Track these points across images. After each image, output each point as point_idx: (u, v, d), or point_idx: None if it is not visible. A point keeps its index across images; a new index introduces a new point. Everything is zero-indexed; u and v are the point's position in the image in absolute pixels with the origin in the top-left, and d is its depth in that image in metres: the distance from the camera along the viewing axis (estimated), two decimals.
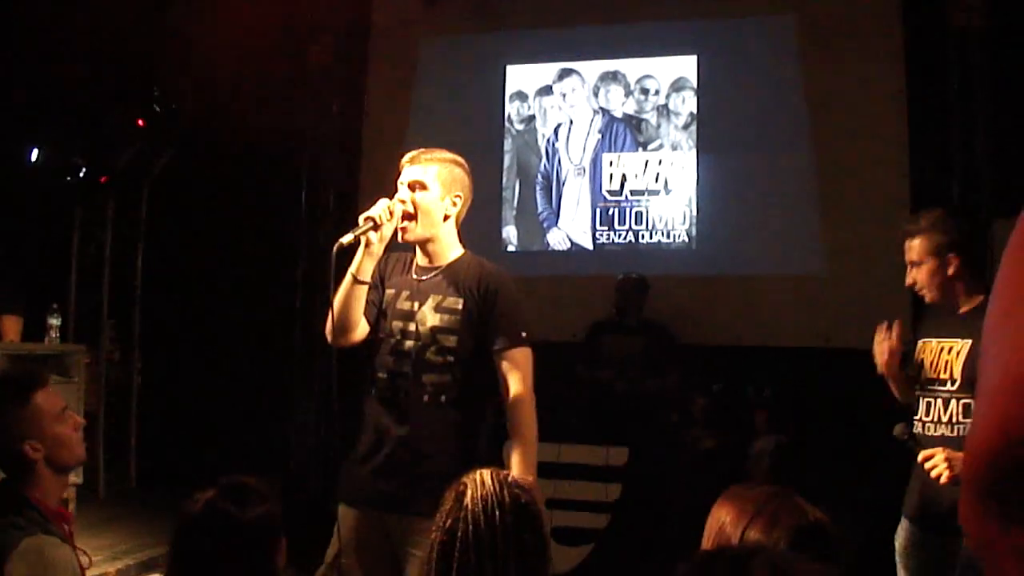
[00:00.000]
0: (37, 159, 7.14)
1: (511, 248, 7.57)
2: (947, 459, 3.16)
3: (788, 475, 5.33)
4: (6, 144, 6.96)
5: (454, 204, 3.33)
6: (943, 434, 3.44)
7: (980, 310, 3.31)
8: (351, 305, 3.21)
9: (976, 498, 0.71)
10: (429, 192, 3.26)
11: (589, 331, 6.70)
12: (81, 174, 7.35)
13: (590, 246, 7.37)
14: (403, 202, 3.23)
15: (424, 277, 3.33)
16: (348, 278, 3.18)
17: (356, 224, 3.13)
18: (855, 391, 4.82)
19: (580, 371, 6.47)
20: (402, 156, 3.38)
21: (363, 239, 3.14)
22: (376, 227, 3.13)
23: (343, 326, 3.22)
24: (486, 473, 2.16)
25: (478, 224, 7.37)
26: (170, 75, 7.58)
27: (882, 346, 3.61)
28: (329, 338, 3.25)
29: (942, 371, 3.49)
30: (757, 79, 7.20)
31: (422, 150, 3.36)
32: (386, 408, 3.27)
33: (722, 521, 1.92)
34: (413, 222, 3.24)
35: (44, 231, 7.50)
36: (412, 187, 3.26)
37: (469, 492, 2.10)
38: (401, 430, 3.23)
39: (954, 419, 3.45)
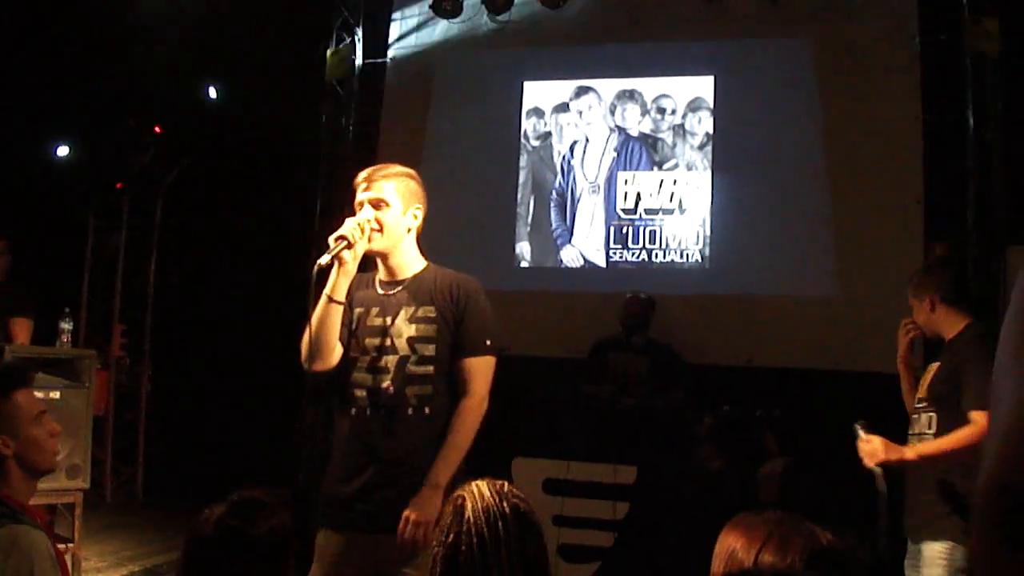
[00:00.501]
0: (66, 156, 7.18)
1: (524, 264, 7.57)
2: (882, 445, 3.71)
3: (797, 497, 5.31)
4: (24, 146, 7.00)
5: (415, 217, 3.35)
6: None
7: (961, 335, 3.86)
8: (329, 327, 3.21)
9: (989, 536, 0.71)
10: (391, 208, 3.27)
11: (592, 349, 6.68)
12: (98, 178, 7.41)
13: (603, 264, 7.37)
14: (369, 220, 3.23)
15: (391, 291, 3.34)
16: (324, 300, 3.18)
17: (328, 246, 3.13)
18: (866, 414, 4.80)
19: (582, 388, 6.47)
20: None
21: (337, 259, 3.14)
22: (349, 246, 3.14)
23: (322, 349, 3.21)
24: (483, 484, 2.14)
25: (492, 239, 7.48)
26: (189, 85, 7.64)
27: (903, 337, 4.11)
28: (305, 364, 3.20)
29: (922, 390, 3.96)
30: (773, 101, 7.21)
31: (375, 168, 3.36)
32: (369, 425, 3.25)
33: (732, 547, 1.87)
34: (379, 235, 3.25)
35: (58, 235, 7.53)
36: (375, 205, 3.27)
37: (469, 505, 2.08)
38: (387, 446, 3.20)
39: (924, 430, 3.88)
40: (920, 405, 3.96)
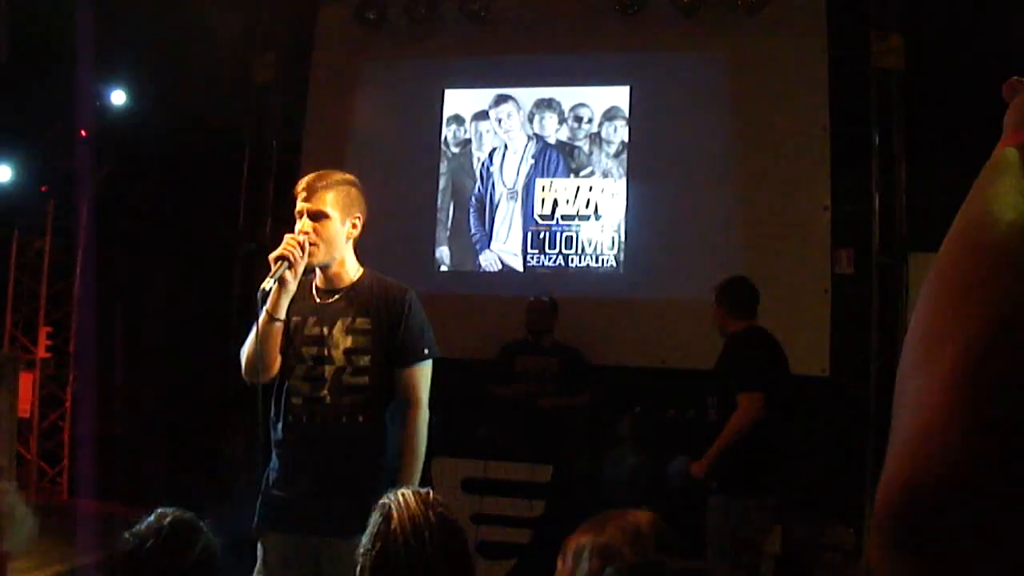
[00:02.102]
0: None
1: (444, 268, 7.69)
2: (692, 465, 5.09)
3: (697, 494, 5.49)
4: None
5: (354, 226, 3.38)
6: None
7: (737, 333, 5.24)
8: (269, 344, 3.27)
9: (890, 543, 0.68)
10: (330, 220, 3.30)
11: (500, 352, 6.81)
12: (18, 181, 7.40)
13: (521, 268, 7.51)
14: (307, 234, 3.26)
15: (329, 300, 3.39)
16: (264, 317, 3.22)
17: (269, 267, 3.16)
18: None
19: (492, 390, 6.59)
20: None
21: (279, 280, 3.19)
22: (291, 265, 3.18)
23: (264, 364, 3.27)
24: (408, 494, 2.23)
25: (413, 243, 7.58)
26: (115, 85, 7.65)
27: None
28: (247, 378, 3.29)
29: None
30: (687, 111, 7.40)
31: (314, 177, 3.37)
32: (304, 433, 3.32)
33: (575, 543, 1.94)
34: (317, 249, 3.29)
35: None
36: (313, 217, 3.28)
37: (395, 514, 2.16)
38: (324, 453, 3.28)
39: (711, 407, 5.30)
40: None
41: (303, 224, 3.31)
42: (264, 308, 3.24)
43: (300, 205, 3.33)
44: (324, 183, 3.34)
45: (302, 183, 3.36)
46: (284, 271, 3.19)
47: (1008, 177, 0.79)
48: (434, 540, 2.14)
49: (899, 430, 0.70)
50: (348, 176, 3.46)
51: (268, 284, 3.17)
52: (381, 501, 2.25)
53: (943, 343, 0.70)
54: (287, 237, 3.26)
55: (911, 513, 0.66)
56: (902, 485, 0.67)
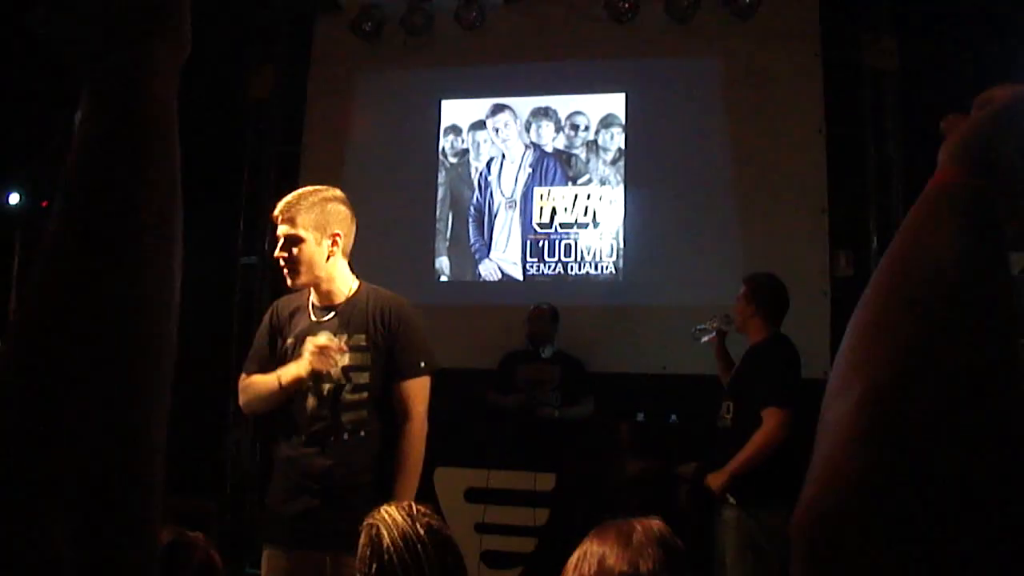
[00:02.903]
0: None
1: (444, 278, 7.70)
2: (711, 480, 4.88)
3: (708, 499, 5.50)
4: None
5: (335, 243, 3.38)
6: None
7: (765, 341, 5.06)
8: (270, 403, 3.37)
9: (800, 559, 0.72)
10: (305, 243, 3.32)
11: (501, 361, 6.84)
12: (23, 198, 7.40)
13: (520, 277, 7.52)
14: (283, 256, 3.31)
15: (324, 318, 3.42)
16: (276, 383, 3.30)
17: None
18: None
19: (490, 399, 6.60)
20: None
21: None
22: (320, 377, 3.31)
23: (260, 410, 3.42)
24: (393, 510, 2.22)
25: (412, 254, 7.59)
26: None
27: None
28: (244, 410, 3.45)
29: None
30: (682, 117, 7.42)
31: (291, 199, 3.39)
32: (305, 449, 3.35)
33: (585, 551, 1.90)
34: (297, 274, 3.34)
35: None
36: (288, 242, 3.32)
37: (385, 533, 2.16)
38: (325, 469, 3.30)
39: (724, 415, 5.05)
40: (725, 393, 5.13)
41: (278, 251, 3.36)
42: (282, 382, 3.33)
43: (278, 229, 3.37)
44: (296, 206, 3.37)
45: (279, 206, 3.39)
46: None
47: (935, 219, 0.80)
48: (428, 553, 2.14)
49: (817, 453, 0.75)
50: (327, 193, 3.46)
51: (300, 371, 3.29)
52: (366, 521, 2.24)
53: (856, 376, 0.75)
54: (322, 352, 3.31)
55: (817, 533, 0.71)
56: (811, 506, 0.72)
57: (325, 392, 3.36)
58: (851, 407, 0.73)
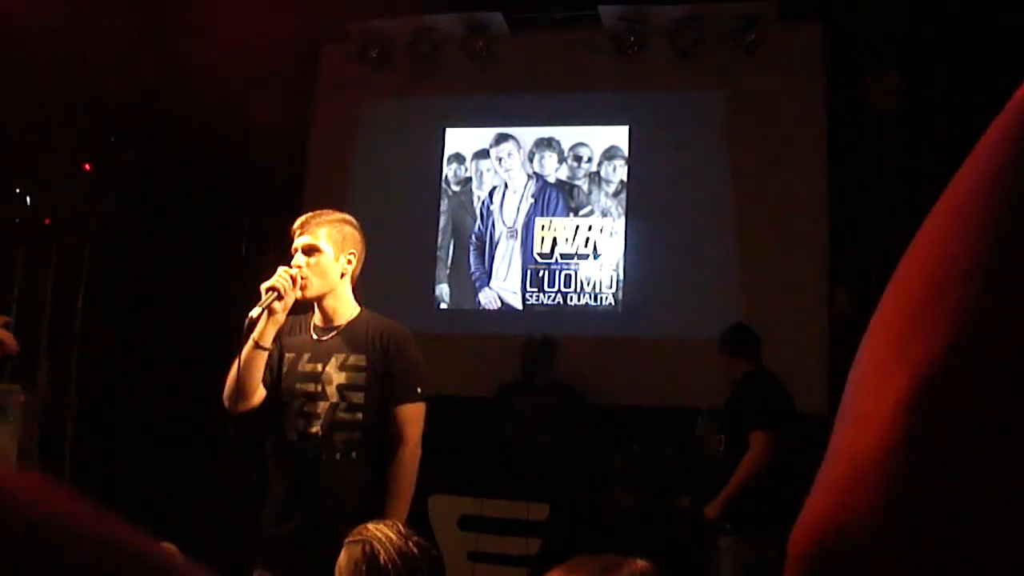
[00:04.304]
0: None
1: (444, 305, 7.71)
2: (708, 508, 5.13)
3: (707, 533, 5.49)
4: None
5: (349, 262, 3.43)
6: None
7: (744, 376, 5.46)
8: (252, 371, 3.28)
9: None
10: (323, 254, 3.36)
11: (498, 391, 6.83)
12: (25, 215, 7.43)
13: (520, 306, 7.53)
14: (299, 267, 3.32)
15: (325, 337, 3.43)
16: (250, 344, 3.25)
17: (259, 296, 3.20)
18: None
19: (488, 429, 6.60)
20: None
21: (268, 309, 3.22)
22: (280, 296, 3.22)
23: (244, 392, 3.29)
24: (385, 529, 2.23)
25: (413, 281, 7.61)
26: (119, 122, 7.70)
27: None
28: (227, 404, 3.33)
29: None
30: (685, 150, 7.44)
31: (310, 215, 3.45)
32: (296, 470, 3.35)
33: None
34: (309, 283, 3.34)
35: None
36: (307, 252, 3.35)
37: (381, 550, 2.16)
38: (316, 490, 3.30)
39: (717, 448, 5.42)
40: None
41: (296, 259, 3.37)
42: (251, 336, 3.27)
43: (296, 242, 3.41)
44: (318, 219, 3.43)
45: (298, 220, 3.44)
46: (273, 301, 3.23)
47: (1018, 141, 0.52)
48: (422, 569, 2.15)
49: (835, 452, 0.55)
50: (344, 215, 3.53)
51: (255, 311, 3.20)
52: (356, 539, 2.24)
53: (899, 359, 0.53)
54: (280, 269, 3.31)
55: (826, 558, 0.53)
56: (822, 522, 0.54)
57: (319, 410, 3.36)
58: (890, 401, 0.51)
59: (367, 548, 2.18)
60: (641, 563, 1.82)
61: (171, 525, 6.05)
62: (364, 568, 2.15)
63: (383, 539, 2.19)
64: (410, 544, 2.19)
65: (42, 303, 7.97)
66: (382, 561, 2.14)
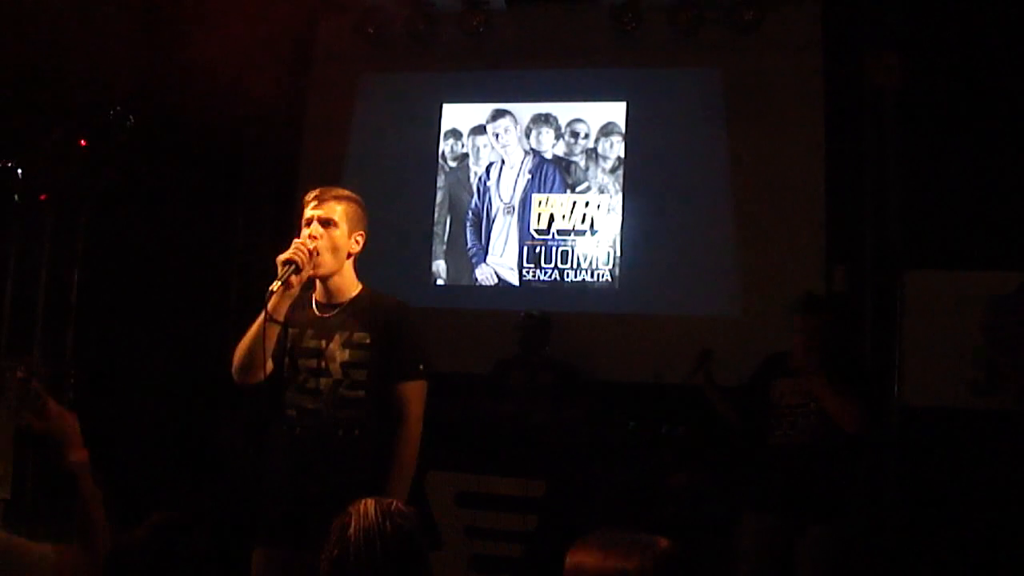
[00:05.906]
0: None
1: (440, 282, 7.71)
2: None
3: (701, 509, 5.50)
4: None
5: (357, 243, 3.44)
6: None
7: None
8: (262, 344, 3.27)
9: None
10: (338, 229, 3.36)
11: (494, 367, 6.83)
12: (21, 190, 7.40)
13: (516, 282, 7.53)
14: (315, 238, 3.31)
15: (328, 314, 3.43)
16: (263, 318, 3.23)
17: (268, 275, 3.21)
18: None
19: (484, 405, 6.60)
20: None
21: (285, 282, 3.22)
22: (298, 269, 3.22)
23: (252, 363, 3.29)
24: (370, 504, 2.23)
25: (410, 257, 7.59)
26: (116, 98, 7.66)
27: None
28: (236, 376, 3.33)
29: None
30: (682, 127, 7.43)
31: (325, 188, 3.44)
32: (299, 446, 3.35)
33: (579, 563, 1.87)
34: (323, 258, 3.33)
35: None
36: (324, 223, 3.34)
37: (352, 523, 2.18)
38: (317, 467, 3.30)
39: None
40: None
41: (312, 230, 3.36)
42: (265, 308, 3.25)
43: (309, 212, 3.40)
44: (334, 194, 3.43)
45: (312, 192, 3.44)
46: (291, 274, 3.22)
47: None
48: (386, 550, 2.15)
49: None
50: (354, 194, 3.53)
51: (275, 285, 3.20)
52: (348, 509, 2.26)
53: None
54: (296, 241, 3.30)
55: None
56: None
57: (322, 387, 3.36)
58: None
59: (345, 518, 2.21)
60: (664, 542, 1.88)
61: (169, 499, 6.06)
62: (334, 538, 2.19)
63: (362, 513, 2.20)
64: (386, 523, 2.19)
65: (37, 279, 7.94)
66: (349, 532, 2.17)
